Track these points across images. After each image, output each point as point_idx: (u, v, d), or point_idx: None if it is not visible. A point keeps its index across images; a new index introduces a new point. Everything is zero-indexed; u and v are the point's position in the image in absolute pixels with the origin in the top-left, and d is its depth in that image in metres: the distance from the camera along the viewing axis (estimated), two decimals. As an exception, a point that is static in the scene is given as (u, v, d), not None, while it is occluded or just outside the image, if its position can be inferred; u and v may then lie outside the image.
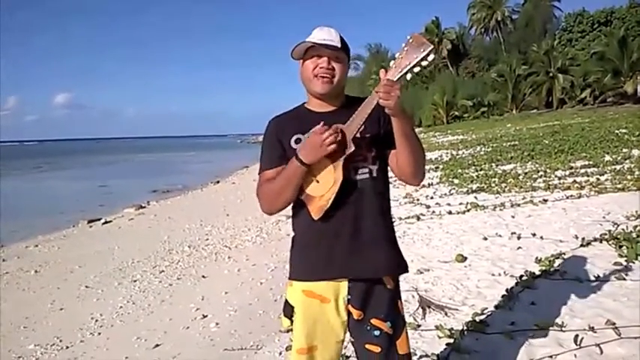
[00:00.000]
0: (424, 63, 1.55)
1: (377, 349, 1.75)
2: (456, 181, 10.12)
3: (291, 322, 1.81)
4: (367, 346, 1.76)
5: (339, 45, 1.69)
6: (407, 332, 1.84)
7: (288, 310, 1.82)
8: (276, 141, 1.78)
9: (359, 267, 1.72)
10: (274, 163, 1.77)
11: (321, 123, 1.64)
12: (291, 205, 1.78)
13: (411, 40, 1.56)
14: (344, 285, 1.75)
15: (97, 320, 4.80)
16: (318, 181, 1.68)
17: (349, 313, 1.77)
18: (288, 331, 1.82)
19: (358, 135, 1.66)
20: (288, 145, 1.75)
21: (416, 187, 8.11)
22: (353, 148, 1.63)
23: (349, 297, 1.75)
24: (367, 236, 1.73)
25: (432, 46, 1.54)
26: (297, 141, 1.74)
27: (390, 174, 1.80)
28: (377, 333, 1.75)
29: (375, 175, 1.74)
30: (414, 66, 1.55)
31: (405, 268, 1.84)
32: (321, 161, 1.65)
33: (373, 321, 1.75)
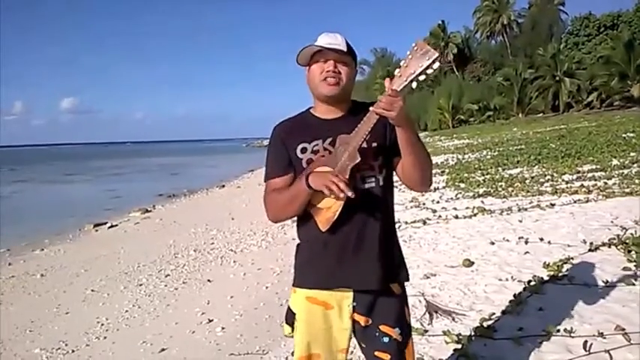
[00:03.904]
0: (429, 71, 1.52)
1: (386, 357, 1.73)
2: (462, 185, 10.08)
3: (293, 329, 1.79)
4: (377, 353, 1.74)
5: (344, 49, 1.67)
6: (412, 340, 1.82)
7: (290, 317, 1.80)
8: (282, 148, 1.76)
9: (364, 278, 1.70)
10: (280, 171, 1.75)
11: (347, 166, 1.60)
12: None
13: (415, 48, 1.53)
14: (349, 293, 1.73)
15: (102, 324, 4.80)
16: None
17: (354, 321, 1.75)
18: (292, 337, 1.80)
19: (365, 145, 1.64)
20: (294, 154, 1.73)
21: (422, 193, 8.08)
22: (359, 159, 1.60)
23: (354, 304, 1.73)
24: (373, 246, 1.70)
25: (438, 54, 1.51)
26: (303, 150, 1.72)
27: (395, 178, 1.79)
28: (386, 340, 1.73)
29: (381, 183, 1.72)
30: (418, 74, 1.52)
31: (406, 277, 1.82)
32: (328, 171, 1.63)
33: (382, 327, 1.73)
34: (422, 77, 1.53)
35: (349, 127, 1.64)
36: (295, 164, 1.72)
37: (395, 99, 1.50)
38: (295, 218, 1.80)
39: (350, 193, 1.51)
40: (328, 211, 1.65)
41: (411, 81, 1.53)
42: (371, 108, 1.57)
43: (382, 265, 1.71)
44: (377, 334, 1.73)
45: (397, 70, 1.55)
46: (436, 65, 1.52)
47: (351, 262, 1.69)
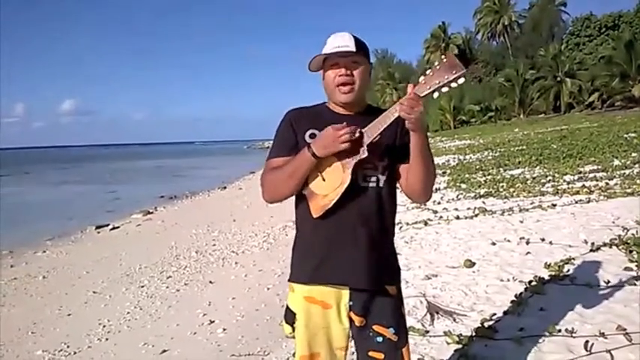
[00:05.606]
0: (453, 85, 1.56)
1: (380, 356, 1.73)
2: (463, 185, 10.08)
3: (293, 328, 1.80)
4: (370, 353, 1.75)
5: (354, 49, 1.67)
6: (408, 340, 1.82)
7: (290, 317, 1.80)
8: (291, 131, 1.76)
9: (358, 277, 1.70)
10: (284, 153, 1.74)
11: (344, 123, 1.63)
12: (295, 200, 1.77)
13: (444, 60, 1.57)
14: (345, 292, 1.73)
15: (104, 326, 4.81)
16: (324, 179, 1.67)
17: (351, 320, 1.75)
18: (293, 337, 1.81)
19: (374, 142, 1.65)
20: (302, 139, 1.73)
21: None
22: (366, 154, 1.62)
23: (351, 303, 1.74)
24: (366, 246, 1.70)
25: (465, 70, 1.55)
26: (312, 136, 1.72)
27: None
28: (379, 339, 1.74)
29: (381, 185, 1.73)
30: (442, 86, 1.56)
31: (398, 279, 1.82)
32: (332, 159, 1.64)
33: (375, 327, 1.74)
34: (445, 89, 1.57)
35: (361, 124, 1.65)
36: (301, 148, 1.70)
37: (416, 103, 1.53)
38: (295, 219, 1.81)
39: (358, 132, 1.60)
40: (324, 198, 1.66)
41: (434, 90, 1.56)
42: (392, 107, 1.60)
43: (375, 266, 1.71)
44: (371, 333, 1.74)
45: (422, 78, 1.58)
46: (461, 81, 1.55)
47: (345, 259, 1.70)
